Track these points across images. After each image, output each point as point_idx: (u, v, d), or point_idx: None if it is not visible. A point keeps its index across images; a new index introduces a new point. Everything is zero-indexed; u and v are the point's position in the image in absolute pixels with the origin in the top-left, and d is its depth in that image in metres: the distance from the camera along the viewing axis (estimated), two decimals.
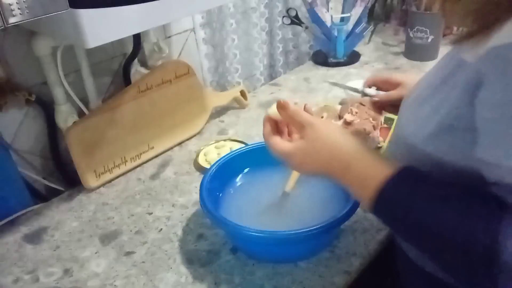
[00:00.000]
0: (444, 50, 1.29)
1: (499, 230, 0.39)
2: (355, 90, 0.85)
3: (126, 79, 0.97)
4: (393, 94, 0.72)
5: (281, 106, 0.57)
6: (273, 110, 0.60)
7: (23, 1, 0.51)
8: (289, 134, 0.62)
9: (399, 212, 0.46)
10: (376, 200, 0.47)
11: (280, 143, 0.57)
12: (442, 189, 0.45)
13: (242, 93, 1.13)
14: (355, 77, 1.23)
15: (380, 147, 0.91)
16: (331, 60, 1.33)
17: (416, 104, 0.53)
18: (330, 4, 1.28)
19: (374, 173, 0.48)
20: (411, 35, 1.27)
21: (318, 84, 1.23)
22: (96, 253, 0.73)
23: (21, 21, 0.52)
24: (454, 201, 0.43)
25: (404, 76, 0.72)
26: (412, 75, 0.70)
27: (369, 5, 1.31)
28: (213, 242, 0.72)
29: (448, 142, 0.46)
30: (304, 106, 0.62)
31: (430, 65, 1.27)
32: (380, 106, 0.76)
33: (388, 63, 1.31)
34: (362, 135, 0.88)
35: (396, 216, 0.47)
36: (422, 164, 0.48)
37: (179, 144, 1.00)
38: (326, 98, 1.14)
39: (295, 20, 1.28)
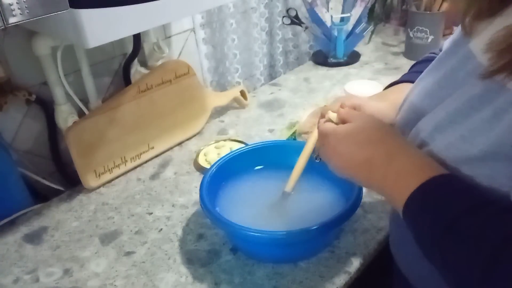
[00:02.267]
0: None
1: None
2: None
3: (126, 79, 0.97)
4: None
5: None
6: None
7: (23, 1, 0.51)
8: None
9: (450, 211, 0.40)
10: (420, 194, 0.42)
11: (331, 123, 0.54)
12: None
13: (242, 93, 1.13)
14: (355, 77, 1.23)
15: None
16: (331, 60, 1.33)
17: (430, 128, 0.48)
18: (330, 4, 1.28)
19: (426, 166, 0.44)
20: (411, 35, 1.27)
21: (318, 84, 1.23)
22: (96, 253, 0.73)
23: (21, 21, 0.52)
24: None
25: (368, 109, 0.63)
26: (375, 108, 0.63)
27: (369, 5, 1.31)
28: (213, 242, 0.72)
29: (489, 170, 0.41)
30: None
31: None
32: None
33: (388, 63, 1.31)
34: None
35: (442, 216, 0.41)
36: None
37: (179, 144, 1.00)
38: (326, 98, 1.14)
39: (295, 20, 1.28)
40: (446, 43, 0.56)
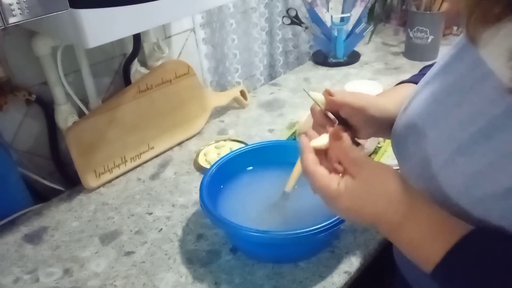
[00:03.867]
0: (444, 50, 1.29)
1: None
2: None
3: (126, 79, 0.97)
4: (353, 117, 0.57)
5: (335, 137, 0.49)
6: (318, 141, 0.51)
7: (23, 1, 0.51)
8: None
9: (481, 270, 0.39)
10: (449, 258, 0.40)
11: (327, 179, 0.47)
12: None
13: (242, 93, 1.13)
14: (355, 77, 1.23)
15: (380, 147, 0.91)
16: (331, 60, 1.33)
17: (451, 149, 0.44)
18: (330, 4, 1.28)
19: (443, 227, 0.41)
20: (411, 35, 1.27)
21: (318, 84, 1.23)
22: (96, 253, 0.73)
23: (21, 21, 0.52)
24: None
25: (363, 99, 0.58)
26: (370, 96, 0.59)
27: (369, 5, 1.31)
28: (213, 242, 0.72)
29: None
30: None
31: None
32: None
33: (388, 63, 1.31)
34: None
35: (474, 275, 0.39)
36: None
37: (179, 144, 1.00)
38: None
39: (295, 20, 1.28)
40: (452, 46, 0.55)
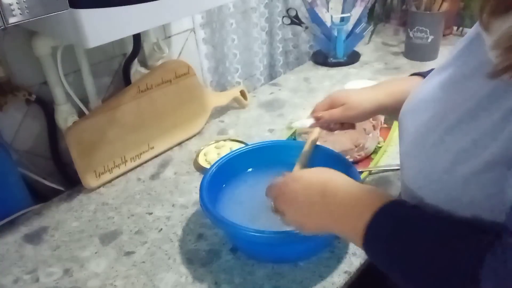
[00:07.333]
0: (444, 50, 1.29)
1: (483, 259, 0.39)
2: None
3: (126, 79, 0.97)
4: (335, 113, 0.70)
5: None
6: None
7: (23, 1, 0.51)
8: None
9: (390, 245, 0.46)
10: (366, 233, 0.47)
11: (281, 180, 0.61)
12: (433, 221, 0.45)
13: (242, 93, 1.13)
14: (355, 77, 1.23)
15: (380, 147, 0.91)
16: (331, 60, 1.33)
17: (441, 130, 0.48)
18: (330, 4, 1.28)
19: (365, 203, 0.49)
20: (411, 35, 1.27)
21: (318, 84, 1.23)
22: (96, 253, 0.73)
23: (21, 21, 0.52)
24: (444, 232, 0.44)
25: (346, 95, 0.71)
26: (354, 94, 0.71)
27: (369, 5, 1.31)
28: (213, 242, 0.72)
29: (499, 175, 0.41)
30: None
31: (430, 65, 1.28)
32: (328, 127, 0.74)
33: (388, 63, 1.31)
34: (362, 135, 0.88)
35: (386, 249, 0.47)
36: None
37: (179, 144, 1.00)
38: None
39: (295, 20, 1.28)
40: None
